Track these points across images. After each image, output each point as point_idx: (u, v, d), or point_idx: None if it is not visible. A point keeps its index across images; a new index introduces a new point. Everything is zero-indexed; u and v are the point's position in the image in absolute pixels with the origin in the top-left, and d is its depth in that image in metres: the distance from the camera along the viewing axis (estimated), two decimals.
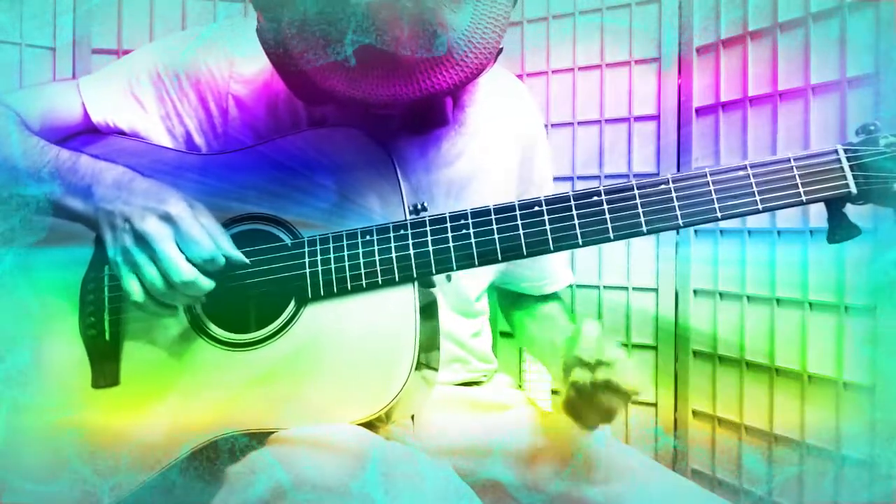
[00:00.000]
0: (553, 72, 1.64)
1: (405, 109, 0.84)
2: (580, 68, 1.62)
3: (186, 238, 0.85)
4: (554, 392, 1.57)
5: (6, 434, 0.92)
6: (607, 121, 1.59)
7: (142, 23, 1.62)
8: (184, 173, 0.95)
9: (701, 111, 1.49)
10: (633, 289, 1.57)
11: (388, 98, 0.81)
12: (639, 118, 1.56)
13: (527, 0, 1.65)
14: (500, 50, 0.85)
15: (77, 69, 1.56)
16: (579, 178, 1.62)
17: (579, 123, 1.62)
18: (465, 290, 1.10)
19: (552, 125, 1.64)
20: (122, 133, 1.01)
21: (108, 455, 0.89)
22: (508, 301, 1.29)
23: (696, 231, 1.50)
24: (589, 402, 0.83)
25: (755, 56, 1.39)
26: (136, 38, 1.60)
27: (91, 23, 1.59)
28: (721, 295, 1.45)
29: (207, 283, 0.87)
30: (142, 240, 0.85)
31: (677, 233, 1.52)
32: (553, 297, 1.25)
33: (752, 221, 1.40)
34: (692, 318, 1.50)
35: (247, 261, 0.90)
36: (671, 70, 1.51)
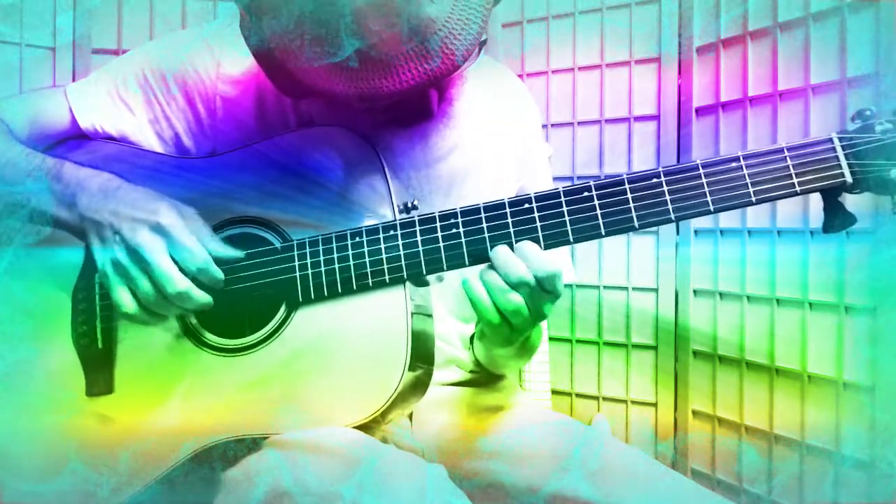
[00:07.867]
0: (553, 72, 1.64)
1: (389, 103, 0.83)
2: (580, 68, 1.62)
3: (179, 248, 0.85)
4: (554, 392, 1.56)
5: (5, 436, 0.92)
6: (607, 121, 1.59)
7: (142, 23, 1.62)
8: (172, 176, 0.95)
9: (701, 111, 1.49)
10: (633, 289, 1.57)
11: (368, 91, 0.80)
12: (639, 118, 1.56)
13: (527, 0, 1.65)
14: (485, 41, 0.84)
15: (77, 69, 1.57)
16: (579, 178, 1.61)
17: (579, 123, 1.62)
18: (461, 293, 1.09)
19: (552, 125, 1.64)
20: (110, 138, 1.00)
21: (105, 461, 0.89)
22: None
23: (696, 231, 1.50)
24: None
25: (755, 56, 1.39)
26: (136, 38, 1.60)
27: (91, 23, 1.59)
28: (721, 295, 1.45)
29: (202, 296, 0.86)
30: (133, 252, 0.85)
31: (677, 233, 1.52)
32: None
33: (752, 221, 1.40)
34: (692, 318, 1.50)
35: (242, 254, 0.89)
36: (671, 70, 1.51)
